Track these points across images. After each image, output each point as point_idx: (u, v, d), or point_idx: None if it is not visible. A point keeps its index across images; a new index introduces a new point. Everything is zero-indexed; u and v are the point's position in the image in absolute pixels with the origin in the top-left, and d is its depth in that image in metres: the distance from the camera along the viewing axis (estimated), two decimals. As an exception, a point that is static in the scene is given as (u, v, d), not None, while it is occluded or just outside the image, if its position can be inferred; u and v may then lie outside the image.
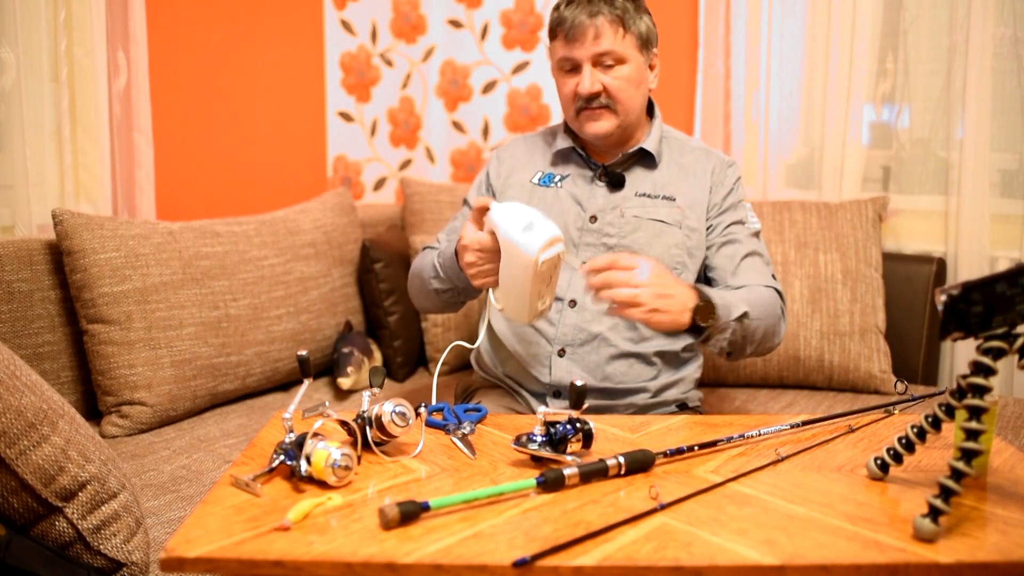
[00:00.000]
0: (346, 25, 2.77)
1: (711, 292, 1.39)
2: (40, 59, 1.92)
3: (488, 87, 2.85)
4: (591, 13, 1.49)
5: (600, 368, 1.53)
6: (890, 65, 2.27)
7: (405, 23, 2.86)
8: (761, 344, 1.49)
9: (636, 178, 1.59)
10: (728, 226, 1.59)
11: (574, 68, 1.53)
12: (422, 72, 2.90)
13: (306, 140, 2.71)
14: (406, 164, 2.95)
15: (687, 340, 1.57)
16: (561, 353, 1.54)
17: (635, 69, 1.53)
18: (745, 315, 1.41)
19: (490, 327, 1.64)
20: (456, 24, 2.85)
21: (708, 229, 1.58)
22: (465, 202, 1.74)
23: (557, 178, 1.62)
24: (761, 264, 1.58)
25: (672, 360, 1.59)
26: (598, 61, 1.51)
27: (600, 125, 1.54)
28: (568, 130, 1.64)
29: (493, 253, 1.33)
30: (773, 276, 1.58)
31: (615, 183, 1.58)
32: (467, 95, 2.87)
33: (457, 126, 2.90)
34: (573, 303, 1.55)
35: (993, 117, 2.12)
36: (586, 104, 1.53)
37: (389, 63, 2.87)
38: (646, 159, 1.60)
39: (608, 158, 1.61)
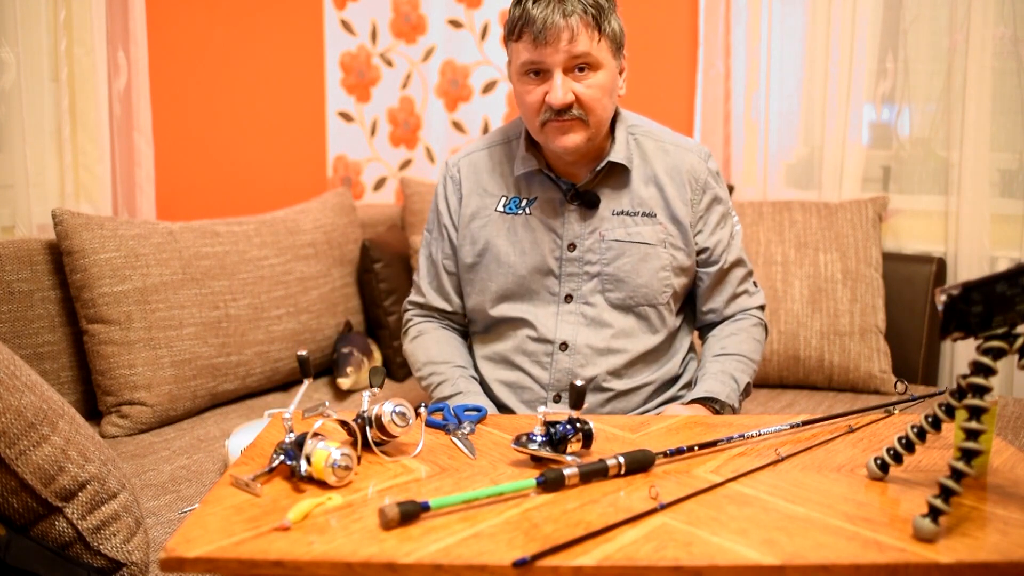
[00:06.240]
0: (346, 25, 2.77)
1: (719, 394, 1.42)
2: (40, 59, 1.92)
3: (488, 87, 2.85)
4: (565, 12, 1.32)
5: (598, 409, 1.49)
6: (890, 65, 2.27)
7: (405, 23, 2.86)
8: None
9: (611, 194, 1.48)
10: (719, 256, 1.53)
11: (541, 74, 1.38)
12: (422, 72, 2.90)
13: (306, 140, 2.71)
14: (406, 164, 2.95)
15: (682, 362, 1.58)
16: (557, 399, 1.48)
17: (609, 76, 1.39)
18: (748, 385, 1.50)
19: (477, 370, 1.56)
20: (456, 24, 2.85)
21: (699, 253, 1.52)
22: (427, 231, 1.62)
23: (524, 203, 1.50)
24: (748, 286, 1.58)
25: (668, 383, 1.56)
26: (570, 67, 1.36)
27: (570, 138, 1.39)
28: (528, 148, 1.49)
29: None
30: (754, 283, 1.59)
31: (589, 204, 1.47)
32: (467, 95, 2.87)
33: (457, 126, 2.90)
34: (564, 346, 1.47)
35: (993, 117, 2.12)
36: (555, 115, 1.37)
37: (389, 63, 2.87)
38: (617, 170, 1.48)
39: (576, 174, 1.48)
